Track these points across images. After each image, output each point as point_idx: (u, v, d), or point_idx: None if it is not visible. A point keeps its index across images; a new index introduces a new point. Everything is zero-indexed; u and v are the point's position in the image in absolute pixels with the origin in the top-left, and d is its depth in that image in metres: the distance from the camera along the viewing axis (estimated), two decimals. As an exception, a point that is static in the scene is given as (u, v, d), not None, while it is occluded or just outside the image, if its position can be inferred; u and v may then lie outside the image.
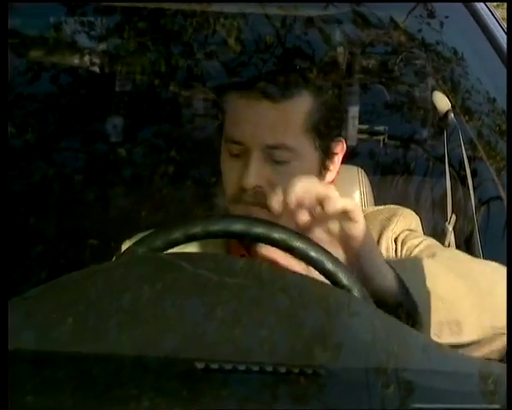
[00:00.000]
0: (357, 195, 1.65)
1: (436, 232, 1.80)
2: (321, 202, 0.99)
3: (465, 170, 1.79)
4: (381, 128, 2.28)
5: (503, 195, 1.53)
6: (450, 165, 1.87)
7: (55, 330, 0.85)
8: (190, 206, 2.04)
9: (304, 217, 1.02)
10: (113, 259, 1.22)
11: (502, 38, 1.63)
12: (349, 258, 1.03)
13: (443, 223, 1.81)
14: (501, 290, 1.11)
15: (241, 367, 0.81)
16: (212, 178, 1.93)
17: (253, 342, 0.86)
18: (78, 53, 2.15)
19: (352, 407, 0.81)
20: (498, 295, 1.11)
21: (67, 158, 2.16)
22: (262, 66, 1.69)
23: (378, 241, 1.27)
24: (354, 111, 2.08)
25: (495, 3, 2.44)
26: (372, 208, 1.44)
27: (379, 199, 1.71)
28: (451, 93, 1.86)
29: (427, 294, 1.04)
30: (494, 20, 1.70)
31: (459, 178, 1.87)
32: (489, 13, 1.71)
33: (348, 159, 1.32)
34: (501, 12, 2.39)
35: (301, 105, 1.22)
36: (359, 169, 1.69)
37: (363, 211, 1.36)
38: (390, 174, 2.13)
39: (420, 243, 1.25)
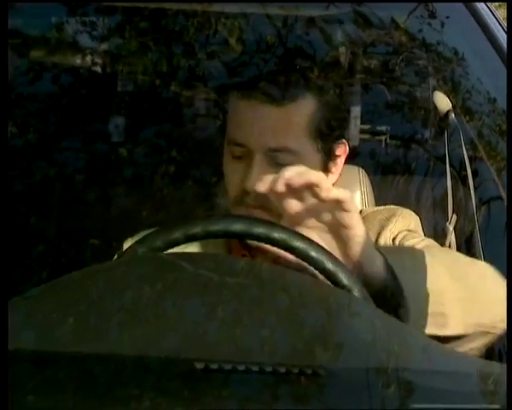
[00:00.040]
0: (357, 195, 1.66)
1: (437, 232, 1.80)
2: (313, 189, 1.00)
3: (466, 170, 1.78)
4: (383, 128, 2.28)
5: (504, 195, 1.54)
6: (450, 165, 1.87)
7: (55, 329, 0.85)
8: (191, 206, 2.04)
9: (293, 202, 1.02)
10: (115, 257, 1.22)
11: (502, 38, 1.63)
12: (340, 246, 1.04)
13: (444, 223, 1.81)
14: (488, 289, 1.12)
15: (241, 367, 0.81)
16: (213, 178, 1.93)
17: (254, 341, 0.86)
18: (80, 53, 2.15)
19: (352, 407, 0.81)
20: (485, 293, 1.13)
21: (69, 158, 2.16)
22: (263, 66, 1.70)
23: (376, 241, 1.27)
24: (356, 111, 2.08)
25: (497, 3, 2.44)
26: (372, 209, 1.44)
27: (380, 199, 1.71)
28: (452, 93, 1.86)
29: (414, 282, 1.05)
30: (495, 20, 1.70)
31: (460, 178, 1.87)
32: (489, 13, 1.71)
33: (349, 159, 1.32)
34: (503, 12, 2.39)
35: (304, 108, 1.22)
36: (360, 169, 1.69)
37: (363, 211, 1.37)
38: (391, 174, 2.13)
39: (417, 243, 1.25)
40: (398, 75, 2.15)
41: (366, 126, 2.23)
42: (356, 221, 1.03)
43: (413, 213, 1.35)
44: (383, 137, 2.28)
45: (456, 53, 1.79)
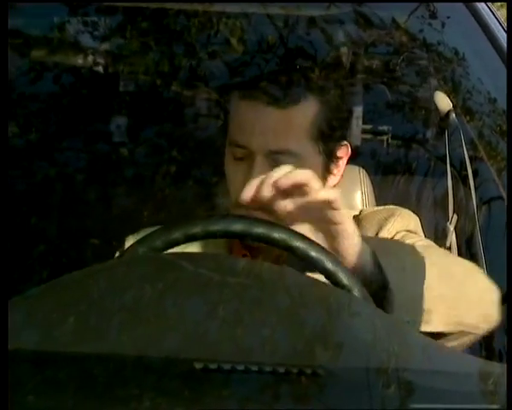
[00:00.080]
0: (358, 195, 1.66)
1: (437, 232, 1.80)
2: (302, 189, 1.00)
3: (466, 170, 1.79)
4: (384, 128, 2.28)
5: (504, 194, 1.54)
6: (451, 165, 1.87)
7: (56, 329, 0.85)
8: (192, 206, 2.04)
9: (284, 202, 1.02)
10: (116, 255, 1.22)
11: (503, 38, 1.63)
12: (329, 240, 1.04)
13: (444, 223, 1.81)
14: (473, 289, 1.13)
15: (241, 367, 0.81)
16: (214, 179, 1.93)
17: (254, 341, 0.86)
18: (81, 53, 2.16)
19: (352, 407, 0.81)
20: (470, 293, 1.13)
21: (70, 158, 2.16)
22: (265, 66, 1.69)
23: None
24: (358, 111, 2.08)
25: (498, 4, 2.44)
26: (371, 209, 1.44)
27: (380, 199, 1.72)
28: (453, 93, 1.86)
29: (400, 276, 1.06)
30: (495, 20, 1.70)
31: (460, 178, 1.87)
32: (490, 13, 1.72)
33: (351, 159, 1.32)
34: (503, 12, 2.39)
35: (306, 110, 1.22)
36: (360, 169, 1.69)
37: (363, 211, 1.37)
38: (391, 174, 2.13)
39: (415, 243, 1.25)
40: (398, 75, 2.15)
41: (368, 126, 2.24)
42: (344, 217, 1.03)
43: (412, 214, 1.35)
44: (385, 137, 2.29)
45: (456, 53, 1.79)
